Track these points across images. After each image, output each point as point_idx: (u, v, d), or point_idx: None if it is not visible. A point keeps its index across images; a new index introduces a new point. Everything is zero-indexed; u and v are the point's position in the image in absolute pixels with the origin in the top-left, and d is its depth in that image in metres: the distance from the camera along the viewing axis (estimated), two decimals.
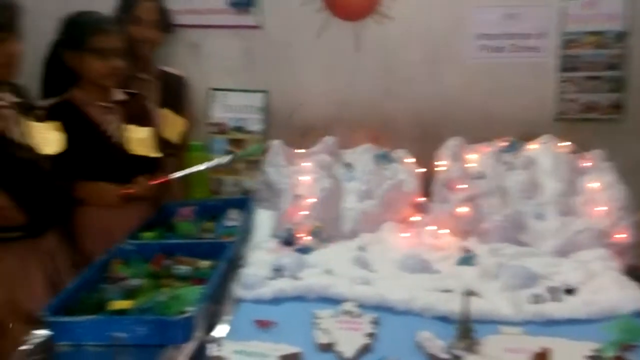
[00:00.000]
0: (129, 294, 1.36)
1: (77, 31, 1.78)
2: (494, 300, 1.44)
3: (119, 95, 1.90)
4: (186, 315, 1.21)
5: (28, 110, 1.58)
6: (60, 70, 1.78)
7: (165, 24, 2.25)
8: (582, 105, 2.45)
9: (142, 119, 1.93)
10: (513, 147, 2.15)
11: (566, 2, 2.38)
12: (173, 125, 2.20)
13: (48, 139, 1.57)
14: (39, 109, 1.65)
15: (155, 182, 1.88)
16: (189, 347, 1.20)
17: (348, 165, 2.22)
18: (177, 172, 1.97)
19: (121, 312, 1.25)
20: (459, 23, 2.43)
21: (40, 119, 1.61)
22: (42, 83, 1.83)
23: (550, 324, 1.37)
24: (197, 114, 2.45)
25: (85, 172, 1.76)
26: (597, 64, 2.41)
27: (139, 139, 1.86)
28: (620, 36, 2.39)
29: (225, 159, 2.03)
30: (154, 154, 1.89)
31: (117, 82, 1.87)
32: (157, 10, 2.18)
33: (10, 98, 1.52)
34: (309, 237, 1.83)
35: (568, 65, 2.43)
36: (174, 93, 2.26)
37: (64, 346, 1.20)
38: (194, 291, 1.33)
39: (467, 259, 1.70)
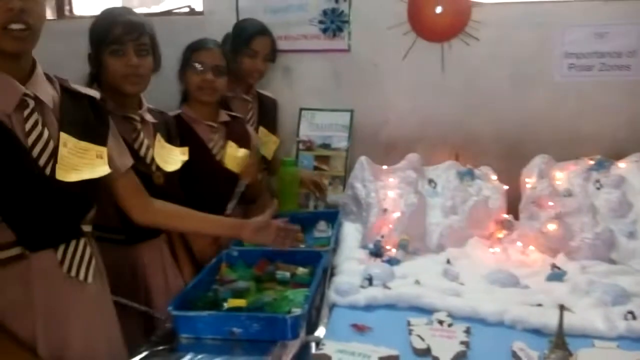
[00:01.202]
0: (238, 294, 1.50)
1: (186, 52, 2.01)
2: (586, 316, 1.46)
3: (223, 116, 2.07)
4: (295, 314, 1.33)
5: (164, 130, 1.78)
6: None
7: (273, 56, 2.47)
8: None
9: (241, 140, 2.08)
10: (602, 165, 2.17)
11: None
12: (267, 143, 2.39)
13: (171, 158, 1.74)
14: (173, 129, 1.84)
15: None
16: (296, 344, 1.31)
17: (431, 182, 2.30)
18: (230, 204, 2.03)
19: (236, 309, 1.39)
20: (547, 42, 2.49)
21: (172, 139, 1.79)
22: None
23: None
24: (288, 132, 2.63)
25: (188, 184, 1.88)
26: None
27: (235, 157, 2.02)
28: None
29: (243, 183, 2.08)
30: (241, 176, 2.04)
31: (212, 98, 2.01)
32: (270, 44, 2.41)
33: (146, 116, 1.71)
34: (396, 250, 1.91)
35: None
36: (269, 114, 2.45)
37: (186, 338, 1.34)
38: (299, 293, 1.45)
39: (557, 275, 1.73)
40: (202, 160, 1.95)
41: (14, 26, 1.11)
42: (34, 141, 1.17)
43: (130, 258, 1.63)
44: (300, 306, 1.39)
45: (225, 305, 1.44)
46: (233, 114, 2.13)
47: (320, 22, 2.60)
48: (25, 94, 1.17)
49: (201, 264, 1.75)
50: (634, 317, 1.45)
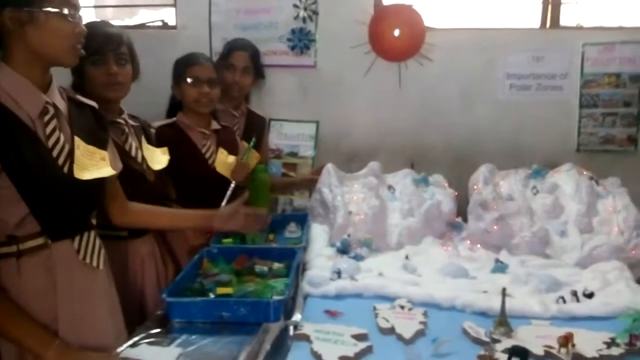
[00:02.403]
0: (222, 285, 1.65)
1: (178, 67, 2.15)
2: (524, 301, 1.67)
3: (215, 125, 2.22)
4: (278, 298, 1.50)
5: (142, 132, 1.89)
6: (175, 103, 2.19)
7: (257, 71, 2.60)
8: (601, 138, 2.73)
9: (230, 147, 2.24)
10: (538, 174, 2.41)
11: (586, 47, 2.69)
12: (249, 158, 2.49)
13: (156, 158, 1.87)
14: (150, 131, 1.97)
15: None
16: (278, 326, 1.48)
17: (390, 188, 2.51)
18: (223, 203, 2.13)
19: (225, 295, 1.54)
20: (491, 64, 2.74)
21: (151, 141, 1.92)
22: (167, 114, 2.25)
23: (572, 320, 1.58)
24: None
25: (183, 184, 2.05)
26: (614, 102, 2.70)
27: (225, 163, 2.17)
28: (635, 77, 2.68)
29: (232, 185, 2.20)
30: (230, 179, 2.17)
31: (209, 108, 2.16)
32: (249, 58, 2.54)
33: (128, 120, 1.83)
34: (361, 247, 2.10)
35: (588, 102, 2.72)
36: (255, 131, 2.54)
37: (178, 322, 1.48)
38: (280, 282, 1.62)
39: (500, 268, 1.95)
40: (196, 163, 2.11)
41: (78, 46, 1.31)
42: (54, 143, 1.30)
43: (131, 251, 1.76)
44: (281, 293, 1.55)
45: (211, 294, 1.58)
46: (223, 123, 2.28)
47: (289, 39, 2.79)
48: (47, 102, 1.31)
49: (191, 254, 1.88)
50: (564, 301, 1.66)
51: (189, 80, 2.11)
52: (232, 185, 2.15)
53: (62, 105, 1.37)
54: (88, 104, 1.49)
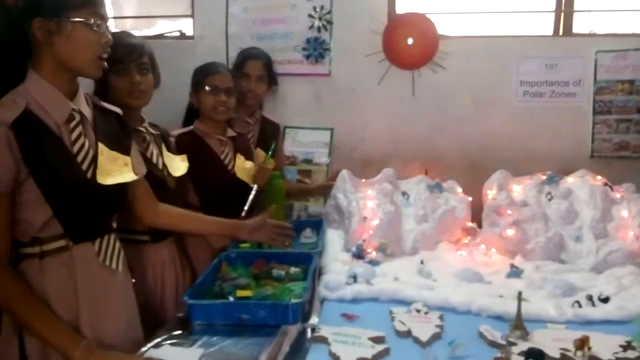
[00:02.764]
0: (241, 288, 1.68)
1: (197, 76, 2.20)
2: (540, 305, 1.68)
3: (231, 132, 2.27)
4: (297, 301, 1.53)
5: (162, 140, 1.94)
6: (192, 111, 2.25)
7: (270, 79, 2.66)
8: (614, 144, 2.73)
9: (247, 153, 2.29)
10: (553, 180, 2.43)
11: (599, 55, 2.70)
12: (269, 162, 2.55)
13: (175, 165, 1.93)
14: (169, 140, 2.02)
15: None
16: (297, 328, 1.51)
17: (405, 194, 2.54)
18: (245, 207, 2.19)
19: (244, 298, 1.58)
20: (504, 72, 2.75)
21: (171, 149, 1.97)
22: (183, 123, 2.31)
23: (588, 324, 1.59)
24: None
25: (204, 191, 2.10)
26: (628, 108, 2.70)
27: (244, 168, 2.23)
28: None
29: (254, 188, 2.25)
30: (252, 183, 2.23)
31: (226, 116, 2.21)
32: (263, 67, 2.59)
33: (149, 128, 1.88)
34: (376, 252, 2.13)
35: (602, 109, 2.73)
36: (269, 137, 2.60)
37: (199, 325, 1.52)
38: (298, 285, 1.65)
39: (515, 273, 1.97)
40: (216, 170, 2.16)
41: (104, 56, 1.35)
42: (79, 149, 1.35)
43: (152, 255, 1.80)
44: (299, 296, 1.58)
45: (230, 297, 1.62)
46: (237, 130, 2.33)
47: (304, 49, 2.84)
48: (73, 109, 1.36)
49: (214, 258, 1.92)
50: (580, 306, 1.68)
51: (207, 88, 2.16)
52: (254, 189, 2.20)
53: (87, 112, 1.42)
54: (113, 111, 1.54)
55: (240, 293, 1.60)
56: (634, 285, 1.82)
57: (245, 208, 2.14)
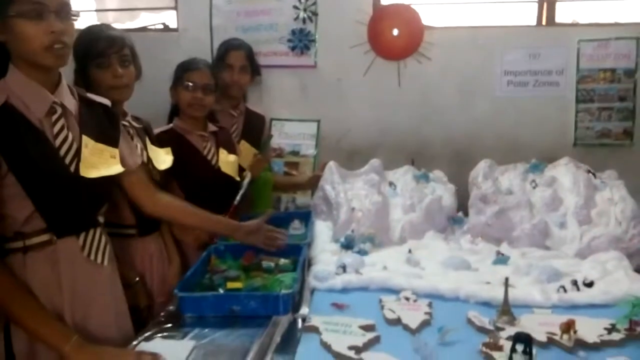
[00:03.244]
0: (231, 280, 1.69)
1: (177, 72, 2.18)
2: (526, 291, 1.71)
3: (212, 127, 2.24)
4: (287, 292, 1.54)
5: (145, 134, 1.92)
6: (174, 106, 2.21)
7: (253, 69, 2.63)
8: (597, 132, 2.78)
9: (229, 147, 2.28)
10: (537, 168, 2.46)
11: (582, 44, 2.74)
12: (248, 156, 2.50)
13: (160, 158, 1.92)
14: (152, 132, 2.00)
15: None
16: (288, 318, 1.52)
17: (392, 184, 2.56)
18: (236, 197, 2.20)
19: (235, 290, 1.58)
20: (488, 62, 2.79)
21: (154, 142, 1.95)
22: (168, 118, 2.26)
23: (573, 308, 1.62)
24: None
25: (189, 187, 2.08)
26: (609, 97, 2.75)
27: (228, 162, 2.21)
28: (629, 72, 2.73)
29: (248, 177, 2.27)
30: (236, 177, 2.23)
31: (201, 113, 2.18)
32: (245, 57, 2.57)
33: (132, 122, 1.86)
34: (364, 242, 2.15)
35: (584, 97, 2.77)
36: (254, 130, 2.60)
37: (190, 317, 1.52)
38: (288, 276, 1.66)
39: (501, 260, 1.99)
40: (199, 166, 2.14)
41: (56, 46, 1.27)
42: (61, 142, 1.34)
43: (140, 249, 1.80)
44: (289, 287, 1.59)
45: (221, 289, 1.62)
46: (218, 125, 2.31)
47: (289, 40, 2.84)
48: (54, 102, 1.34)
49: (200, 249, 1.93)
50: (565, 291, 1.70)
51: (185, 84, 2.13)
52: (247, 180, 2.20)
53: (72, 104, 1.40)
54: (100, 102, 1.52)
55: (231, 285, 1.61)
56: (618, 269, 1.85)
57: (237, 199, 2.13)
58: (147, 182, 1.65)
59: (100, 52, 1.71)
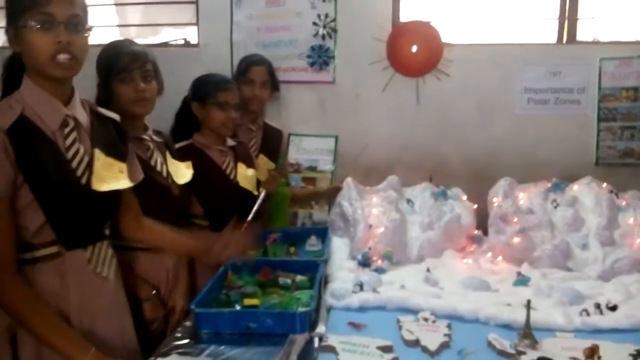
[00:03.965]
0: (248, 297, 1.68)
1: (206, 88, 2.15)
2: (548, 313, 1.67)
3: (230, 142, 2.25)
4: (304, 310, 1.52)
5: (166, 148, 1.93)
6: (187, 120, 2.18)
7: (273, 84, 2.64)
8: (619, 151, 2.73)
9: (247, 161, 2.29)
10: (558, 187, 2.43)
11: (603, 62, 2.71)
12: (265, 170, 2.49)
13: (180, 172, 1.92)
14: (173, 146, 2.00)
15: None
16: (304, 337, 1.50)
17: (409, 201, 2.54)
18: (251, 213, 2.15)
19: (252, 307, 1.57)
20: (508, 79, 2.76)
21: (175, 156, 1.96)
22: (173, 131, 2.22)
23: (597, 332, 1.58)
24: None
25: (208, 202, 2.09)
26: (632, 115, 2.71)
27: (246, 177, 2.22)
28: None
29: (262, 193, 2.23)
30: (255, 191, 2.23)
31: (232, 131, 2.22)
32: (266, 73, 2.58)
33: (153, 136, 1.87)
34: (382, 260, 2.13)
35: (606, 116, 2.73)
36: (272, 144, 2.61)
37: (206, 333, 1.51)
38: (305, 294, 1.65)
39: (522, 281, 1.96)
40: (219, 181, 2.15)
41: (61, 57, 1.28)
42: (73, 155, 1.35)
43: (157, 263, 1.80)
44: (306, 305, 1.58)
45: (237, 305, 1.61)
46: (237, 139, 2.32)
47: (308, 56, 2.85)
48: (67, 115, 1.35)
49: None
50: (588, 314, 1.66)
51: (219, 104, 2.13)
52: (262, 195, 2.19)
53: (83, 118, 1.42)
54: (110, 117, 1.53)
55: (248, 301, 1.60)
56: None
57: (252, 214, 2.13)
58: (134, 204, 1.63)
59: (123, 67, 1.74)
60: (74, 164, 1.35)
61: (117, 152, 1.49)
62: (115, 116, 1.55)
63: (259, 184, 2.31)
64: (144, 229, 1.64)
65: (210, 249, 1.73)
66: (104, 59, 1.77)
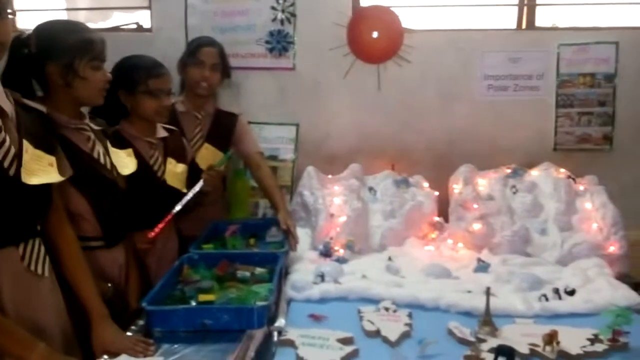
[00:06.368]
0: (204, 292, 1.61)
1: (133, 74, 1.91)
2: (508, 300, 1.69)
3: (162, 132, 2.03)
4: (262, 304, 1.47)
5: (105, 137, 1.76)
6: (111, 105, 1.84)
7: (224, 68, 2.46)
8: (577, 137, 2.77)
9: (178, 155, 2.07)
10: (517, 173, 2.45)
11: (562, 48, 2.73)
12: (214, 159, 2.31)
13: (122, 162, 1.76)
14: (111, 136, 1.81)
15: (157, 232, 1.91)
16: (262, 332, 1.45)
17: (372, 189, 2.52)
18: (177, 206, 1.96)
19: (207, 303, 1.51)
20: (468, 65, 2.76)
21: (113, 145, 1.78)
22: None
23: (555, 317, 1.62)
24: None
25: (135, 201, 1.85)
26: (589, 102, 2.75)
27: (175, 173, 2.02)
28: (609, 77, 2.73)
29: (200, 184, 2.04)
30: (184, 189, 2.03)
31: (166, 118, 2.03)
32: (217, 55, 2.42)
33: (94, 125, 1.72)
34: (344, 250, 2.10)
35: (564, 102, 2.76)
36: (224, 129, 2.45)
37: (159, 332, 1.44)
38: (263, 288, 1.59)
39: (482, 267, 1.97)
40: (144, 177, 1.91)
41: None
42: None
43: (109, 260, 1.71)
44: (265, 299, 1.53)
45: (192, 302, 1.55)
46: (169, 127, 2.10)
47: (267, 42, 2.77)
48: None
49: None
50: (547, 299, 1.70)
51: (150, 91, 1.92)
52: (197, 187, 2.02)
53: (8, 107, 1.32)
54: (36, 108, 1.44)
55: (203, 297, 1.53)
56: (599, 277, 1.84)
57: (178, 207, 1.96)
58: (60, 205, 1.51)
59: (99, 54, 1.61)
60: (0, 154, 1.25)
61: (45, 144, 1.39)
62: (41, 108, 1.45)
63: (196, 175, 2.11)
64: (63, 236, 1.49)
65: (106, 331, 1.45)
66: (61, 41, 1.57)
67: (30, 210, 1.35)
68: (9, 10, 1.26)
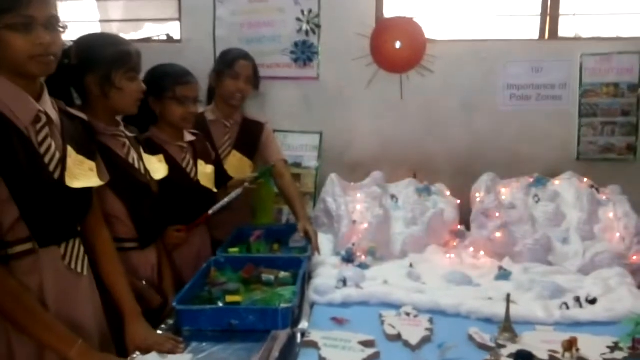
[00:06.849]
0: (230, 294, 1.67)
1: (162, 81, 1.99)
2: (528, 307, 1.70)
3: (189, 136, 2.12)
4: (286, 306, 1.52)
5: (138, 143, 1.85)
6: (141, 112, 1.84)
7: (256, 80, 2.58)
8: (600, 147, 2.77)
9: (206, 157, 2.18)
10: (540, 182, 2.46)
11: (585, 58, 2.74)
12: (241, 166, 2.47)
13: (154, 167, 1.85)
14: (140, 142, 1.88)
15: (190, 228, 2.02)
16: (286, 333, 1.50)
17: (394, 197, 2.55)
18: (215, 207, 2.08)
19: (234, 303, 1.57)
20: (491, 75, 2.78)
21: (145, 151, 1.87)
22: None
23: (576, 325, 1.61)
24: None
25: (168, 200, 1.93)
26: (613, 111, 2.75)
27: (206, 174, 2.12)
28: (633, 87, 2.72)
29: (239, 191, 2.14)
30: (214, 189, 2.14)
31: (192, 125, 2.12)
32: (251, 68, 2.51)
33: (127, 132, 1.80)
34: (366, 256, 2.13)
35: (587, 112, 2.76)
36: (250, 137, 2.53)
37: (188, 330, 1.51)
38: (288, 290, 1.65)
39: (503, 275, 1.98)
40: (179, 179, 2.00)
41: (44, 58, 1.29)
42: (46, 150, 1.34)
43: (143, 261, 1.78)
44: (289, 301, 1.58)
45: (220, 302, 1.61)
46: (193, 131, 2.17)
47: (292, 52, 2.84)
48: (39, 111, 1.34)
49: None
50: (568, 307, 1.70)
51: (177, 98, 2.00)
52: (234, 195, 2.11)
53: (54, 115, 1.41)
54: (78, 116, 1.53)
55: (230, 298, 1.59)
56: (621, 286, 1.84)
57: (215, 209, 2.06)
58: (98, 209, 1.58)
59: (134, 66, 1.70)
60: (47, 159, 1.34)
61: (86, 150, 1.48)
62: (82, 115, 1.54)
63: (228, 178, 2.26)
64: (100, 237, 1.56)
65: (138, 328, 1.52)
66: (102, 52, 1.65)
67: (72, 211, 1.42)
68: (60, 25, 1.34)
